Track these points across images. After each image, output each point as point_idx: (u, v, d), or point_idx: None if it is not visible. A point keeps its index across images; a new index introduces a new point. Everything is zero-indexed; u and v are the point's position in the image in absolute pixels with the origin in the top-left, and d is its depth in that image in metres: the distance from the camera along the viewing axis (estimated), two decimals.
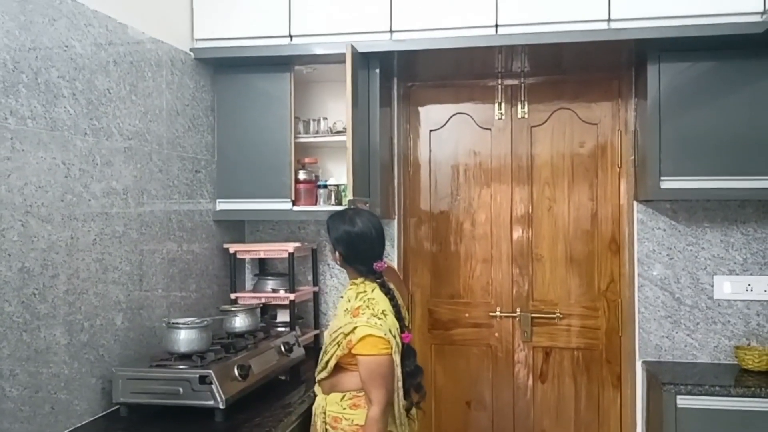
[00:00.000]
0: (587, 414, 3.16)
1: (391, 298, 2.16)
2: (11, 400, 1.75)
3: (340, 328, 2.10)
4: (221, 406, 2.02)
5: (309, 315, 3.18)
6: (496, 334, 3.23)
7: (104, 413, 2.12)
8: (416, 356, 2.20)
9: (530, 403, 3.20)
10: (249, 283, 3.26)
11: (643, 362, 2.94)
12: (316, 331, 3.13)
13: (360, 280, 2.20)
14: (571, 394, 3.17)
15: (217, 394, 2.02)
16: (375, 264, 2.17)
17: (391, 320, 2.10)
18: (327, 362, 2.15)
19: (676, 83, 2.65)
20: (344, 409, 2.12)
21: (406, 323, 2.20)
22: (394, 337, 2.07)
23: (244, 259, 3.21)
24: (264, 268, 3.25)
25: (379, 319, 2.05)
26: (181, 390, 2.05)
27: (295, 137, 2.92)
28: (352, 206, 2.45)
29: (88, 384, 2.06)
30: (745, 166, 2.60)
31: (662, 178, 2.65)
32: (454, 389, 3.26)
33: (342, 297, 2.27)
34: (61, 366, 1.94)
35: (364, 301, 2.11)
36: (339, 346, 2.10)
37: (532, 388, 3.20)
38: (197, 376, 2.04)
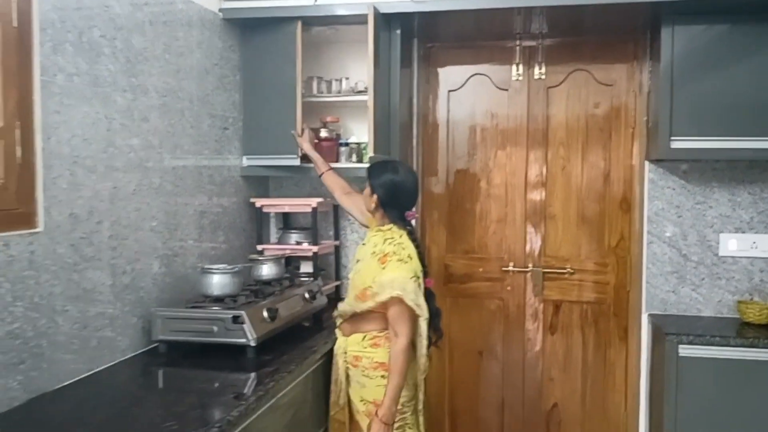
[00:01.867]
0: (594, 364, 3.31)
1: (417, 246, 2.32)
2: (63, 333, 1.93)
3: (371, 287, 2.24)
4: (252, 344, 2.19)
5: (330, 267, 3.33)
6: (509, 288, 3.37)
7: (144, 350, 2.31)
8: (436, 299, 2.37)
9: (540, 354, 3.36)
10: (273, 236, 3.41)
11: (649, 315, 3.07)
12: (337, 282, 3.29)
13: (388, 226, 2.34)
14: (579, 346, 3.32)
15: (248, 333, 2.19)
16: (407, 212, 2.33)
17: (417, 264, 2.26)
18: (352, 306, 2.33)
19: (690, 46, 2.72)
20: (365, 348, 2.29)
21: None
22: (418, 278, 2.23)
23: (268, 213, 3.36)
24: (287, 222, 3.40)
25: (406, 262, 2.21)
26: (215, 329, 2.22)
27: (317, 96, 3.04)
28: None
29: (129, 323, 2.24)
30: (754, 127, 2.68)
31: (672, 138, 2.74)
32: (467, 340, 3.42)
33: (364, 243, 2.42)
34: (106, 305, 2.12)
35: (393, 246, 2.25)
36: (365, 303, 2.27)
37: (541, 340, 3.35)
38: (230, 316, 2.21)
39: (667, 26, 2.72)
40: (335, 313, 2.45)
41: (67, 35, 1.92)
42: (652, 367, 3.05)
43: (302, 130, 2.95)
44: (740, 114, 2.68)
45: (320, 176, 2.83)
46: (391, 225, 2.35)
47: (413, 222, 2.42)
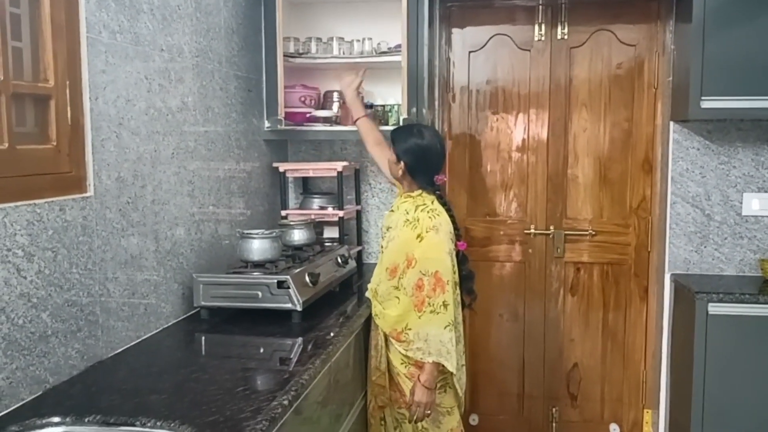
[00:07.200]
0: (614, 324, 3.36)
1: (448, 209, 2.30)
2: (115, 300, 1.88)
3: (405, 266, 2.23)
4: (299, 308, 2.17)
5: (352, 232, 3.30)
6: (530, 251, 3.38)
7: (185, 316, 2.27)
8: (469, 262, 2.36)
9: (560, 314, 3.39)
10: (293, 201, 3.36)
11: (672, 275, 3.11)
12: (360, 248, 3.27)
13: (417, 192, 2.31)
14: (600, 306, 3.36)
15: (294, 298, 2.16)
16: (436, 177, 2.30)
17: (450, 228, 2.25)
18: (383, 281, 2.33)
19: (721, 3, 2.70)
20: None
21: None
22: (452, 241, 2.22)
23: (288, 178, 3.30)
24: (307, 187, 3.35)
25: (439, 233, 2.21)
26: (259, 294, 2.19)
27: (338, 57, 2.99)
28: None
29: (171, 289, 2.19)
30: None
31: (703, 98, 2.74)
32: (488, 302, 3.43)
33: (393, 211, 2.38)
34: (151, 271, 2.07)
35: (427, 212, 2.23)
36: (395, 279, 2.27)
37: (562, 301, 3.38)
38: (275, 281, 2.18)
39: None
40: (367, 294, 2.44)
41: None
42: (673, 326, 3.10)
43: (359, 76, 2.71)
44: None
45: (355, 121, 2.68)
46: (420, 190, 2.32)
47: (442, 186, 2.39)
